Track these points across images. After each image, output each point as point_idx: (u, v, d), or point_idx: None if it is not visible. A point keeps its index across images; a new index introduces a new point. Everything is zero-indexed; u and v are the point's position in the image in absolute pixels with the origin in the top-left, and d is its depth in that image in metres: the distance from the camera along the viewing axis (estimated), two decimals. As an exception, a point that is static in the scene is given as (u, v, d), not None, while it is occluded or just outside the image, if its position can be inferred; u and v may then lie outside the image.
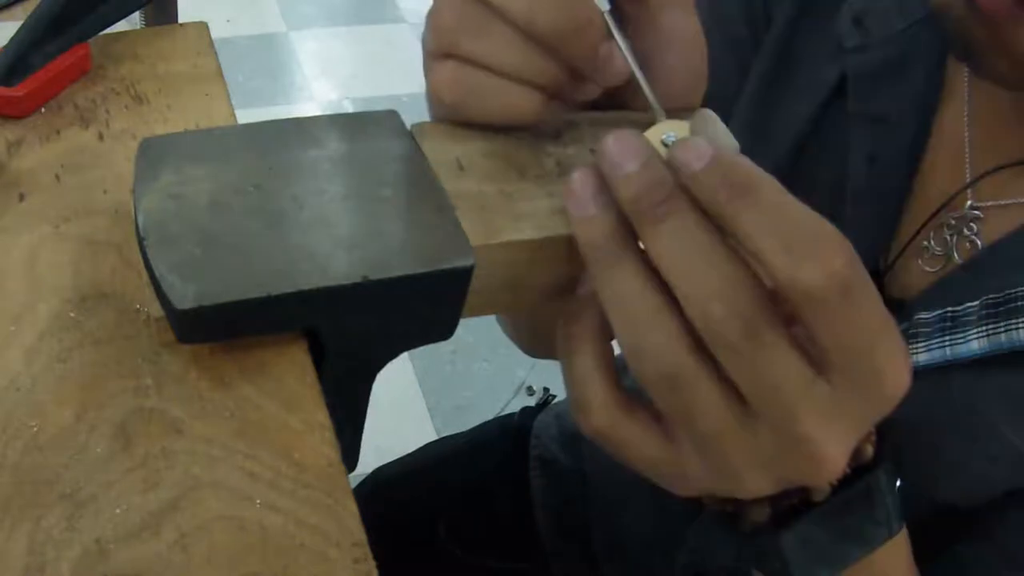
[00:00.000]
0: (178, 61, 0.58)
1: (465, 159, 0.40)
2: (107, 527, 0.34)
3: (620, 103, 0.42)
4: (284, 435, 0.37)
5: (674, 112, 0.39)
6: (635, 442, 0.35)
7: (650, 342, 0.31)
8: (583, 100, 0.41)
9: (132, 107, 0.54)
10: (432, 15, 0.38)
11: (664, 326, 0.31)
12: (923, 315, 0.49)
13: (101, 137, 0.51)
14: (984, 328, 0.46)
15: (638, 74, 0.38)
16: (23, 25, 0.53)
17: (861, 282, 0.30)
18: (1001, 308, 0.46)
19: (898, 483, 0.39)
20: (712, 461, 0.33)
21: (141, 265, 0.37)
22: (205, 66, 0.58)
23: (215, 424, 0.37)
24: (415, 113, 0.40)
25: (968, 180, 0.52)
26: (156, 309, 0.36)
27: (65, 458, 0.35)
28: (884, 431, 0.39)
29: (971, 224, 0.51)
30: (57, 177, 0.48)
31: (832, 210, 0.31)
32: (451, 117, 0.40)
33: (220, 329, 0.36)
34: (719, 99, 0.43)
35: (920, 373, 0.33)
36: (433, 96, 0.39)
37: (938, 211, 0.53)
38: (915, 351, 0.49)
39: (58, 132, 0.51)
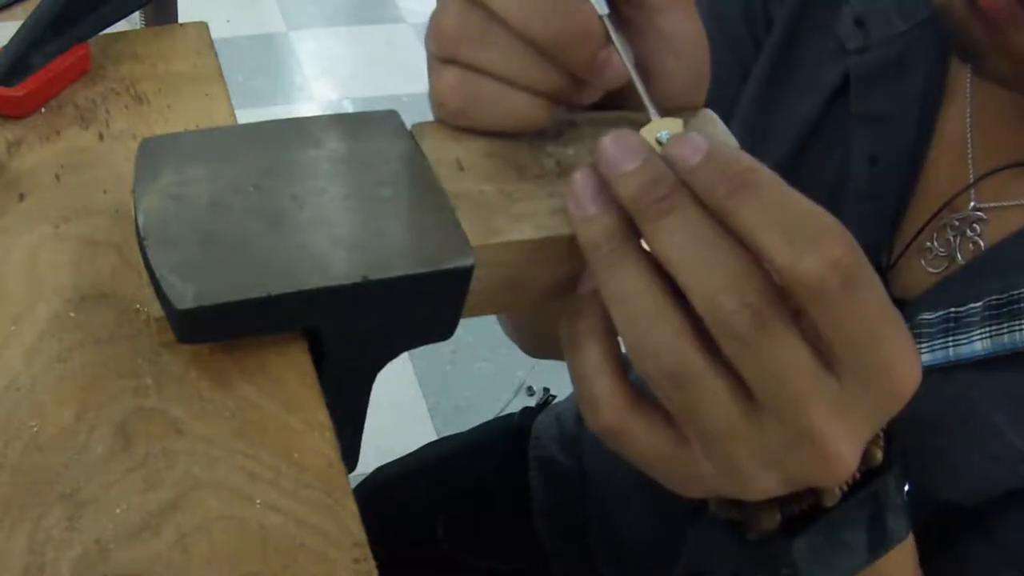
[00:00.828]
0: (178, 61, 0.58)
1: (465, 159, 0.40)
2: (107, 527, 0.34)
3: (622, 104, 0.42)
4: (284, 435, 0.37)
5: (675, 112, 0.39)
6: (642, 438, 0.34)
7: (654, 339, 0.31)
8: (585, 103, 0.41)
9: (132, 107, 0.54)
10: (434, 20, 0.38)
11: (668, 323, 0.31)
12: (926, 316, 0.49)
13: (101, 137, 0.51)
14: (987, 329, 0.46)
15: (634, 76, 0.37)
16: (23, 25, 0.53)
17: (864, 273, 0.30)
18: (1004, 309, 0.46)
19: (907, 488, 0.39)
20: (719, 459, 0.33)
21: (141, 265, 0.37)
22: (205, 66, 0.58)
23: (215, 424, 0.37)
24: (415, 113, 0.40)
25: (971, 181, 0.52)
26: (156, 309, 0.36)
27: (65, 458, 0.35)
28: (892, 434, 0.39)
29: (974, 225, 0.51)
30: (57, 177, 0.48)
31: (834, 210, 0.31)
32: (454, 122, 0.40)
33: (220, 329, 0.36)
34: (719, 99, 0.43)
35: (923, 373, 0.32)
36: (436, 101, 0.39)
37: (939, 211, 0.53)
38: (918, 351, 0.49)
39: (58, 132, 0.51)
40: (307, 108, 2.35)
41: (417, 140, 0.40)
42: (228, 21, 2.52)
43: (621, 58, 0.37)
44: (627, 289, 0.32)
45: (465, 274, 0.36)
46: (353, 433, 0.43)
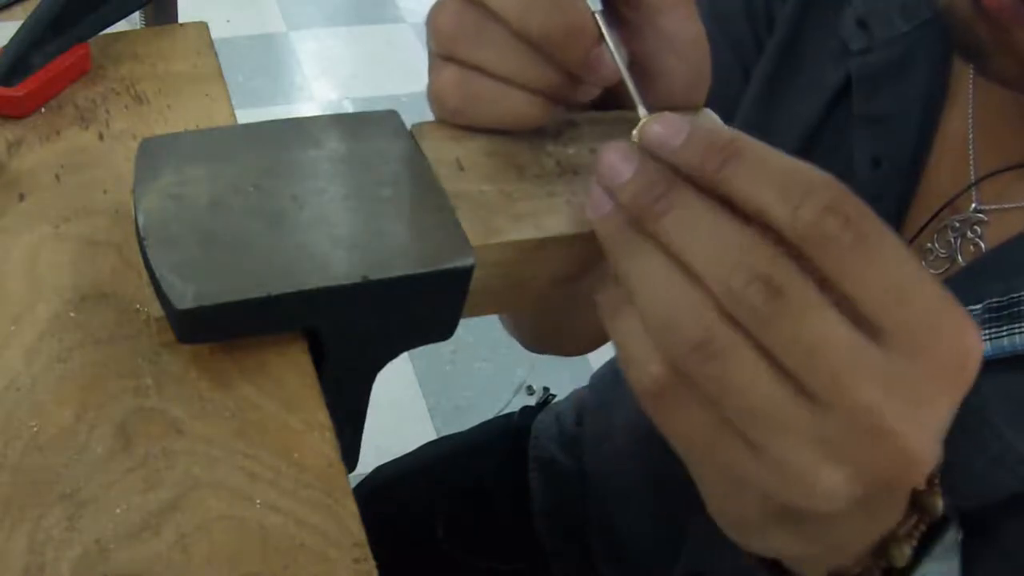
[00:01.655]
0: (178, 61, 0.57)
1: (465, 159, 0.40)
2: (107, 527, 0.34)
3: (622, 103, 0.42)
4: (284, 435, 0.37)
5: (675, 112, 0.38)
6: (683, 411, 0.31)
7: (679, 310, 0.30)
8: (584, 100, 0.41)
9: (132, 107, 0.54)
10: (431, 18, 0.38)
11: (691, 294, 0.30)
12: None
13: (101, 137, 0.51)
14: (987, 331, 0.46)
15: (625, 74, 0.37)
16: (23, 25, 0.53)
17: (873, 224, 0.29)
18: (1004, 312, 0.46)
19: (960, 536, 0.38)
20: (766, 452, 0.30)
21: (141, 265, 0.37)
22: (205, 66, 0.58)
23: (215, 424, 0.37)
24: (415, 113, 0.40)
25: (972, 182, 0.52)
26: (156, 309, 0.36)
27: (65, 458, 0.35)
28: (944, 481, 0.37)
29: (975, 226, 0.51)
30: (57, 177, 0.48)
31: None
32: (453, 121, 0.40)
33: (220, 329, 0.36)
34: (720, 99, 0.43)
35: None
36: (435, 99, 0.39)
37: (940, 212, 0.53)
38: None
39: (58, 132, 0.51)
40: (307, 108, 2.35)
41: (417, 140, 0.40)
42: (228, 21, 2.52)
43: (612, 55, 0.37)
44: (647, 268, 0.31)
45: (465, 274, 0.36)
46: (353, 433, 0.43)
